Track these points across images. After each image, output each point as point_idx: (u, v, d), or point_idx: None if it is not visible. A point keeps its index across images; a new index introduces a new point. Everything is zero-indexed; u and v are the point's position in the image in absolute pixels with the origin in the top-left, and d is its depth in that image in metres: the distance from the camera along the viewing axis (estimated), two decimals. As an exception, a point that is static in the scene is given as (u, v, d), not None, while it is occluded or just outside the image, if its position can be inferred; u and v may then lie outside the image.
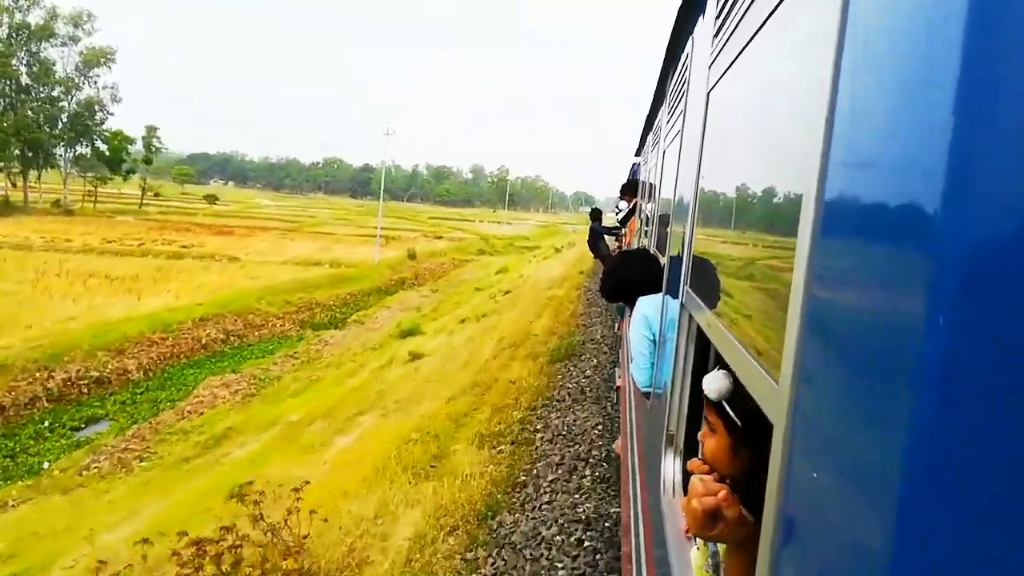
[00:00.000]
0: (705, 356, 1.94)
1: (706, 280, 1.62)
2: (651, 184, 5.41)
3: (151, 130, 73.25)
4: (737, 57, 1.34)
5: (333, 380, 16.82)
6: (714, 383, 1.36)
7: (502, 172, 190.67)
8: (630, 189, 9.21)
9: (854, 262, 0.66)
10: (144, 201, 72.37)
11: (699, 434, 1.54)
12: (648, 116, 6.15)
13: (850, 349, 0.65)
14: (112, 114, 61.69)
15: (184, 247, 38.88)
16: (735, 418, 1.34)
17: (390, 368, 16.02)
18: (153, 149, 74.07)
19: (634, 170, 10.76)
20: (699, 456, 1.56)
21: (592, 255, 16.17)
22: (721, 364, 1.65)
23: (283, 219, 70.49)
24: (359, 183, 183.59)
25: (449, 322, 21.31)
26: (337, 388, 15.76)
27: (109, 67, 59.58)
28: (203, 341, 21.12)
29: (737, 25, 1.33)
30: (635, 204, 8.46)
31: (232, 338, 22.28)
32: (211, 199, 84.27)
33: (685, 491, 1.99)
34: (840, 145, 0.70)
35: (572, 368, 10.55)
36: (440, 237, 62.65)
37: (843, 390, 0.65)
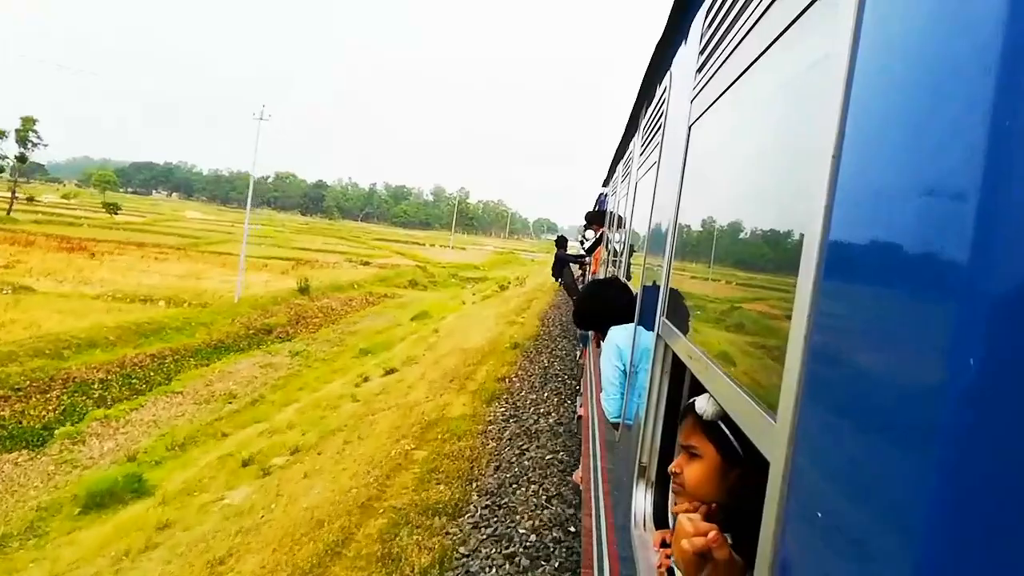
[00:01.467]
0: (680, 387, 1.94)
1: (685, 311, 1.62)
2: (620, 215, 5.47)
3: (27, 122, 63.51)
4: (725, 91, 1.35)
5: None
6: (711, 404, 1.36)
7: (462, 194, 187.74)
8: (597, 219, 9.31)
9: (863, 301, 0.65)
10: (16, 207, 62.09)
11: (671, 466, 1.52)
12: (619, 147, 6.25)
13: (857, 391, 0.63)
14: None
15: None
16: (732, 439, 1.33)
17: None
18: (29, 145, 64.09)
19: (601, 200, 10.91)
20: (672, 486, 1.54)
21: (556, 284, 16.70)
22: (697, 395, 1.64)
23: (185, 235, 62.47)
24: (311, 199, 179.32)
25: (251, 438, 13.69)
26: None
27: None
28: None
29: (727, 59, 1.34)
30: (602, 233, 8.56)
31: None
32: (112, 208, 74.62)
33: (656, 525, 1.96)
34: (848, 181, 0.70)
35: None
36: (367, 263, 55.66)
37: (850, 432, 0.64)
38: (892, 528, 0.54)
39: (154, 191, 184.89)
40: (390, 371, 17.13)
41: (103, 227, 60.56)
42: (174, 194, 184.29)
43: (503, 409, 9.72)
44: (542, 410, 9.58)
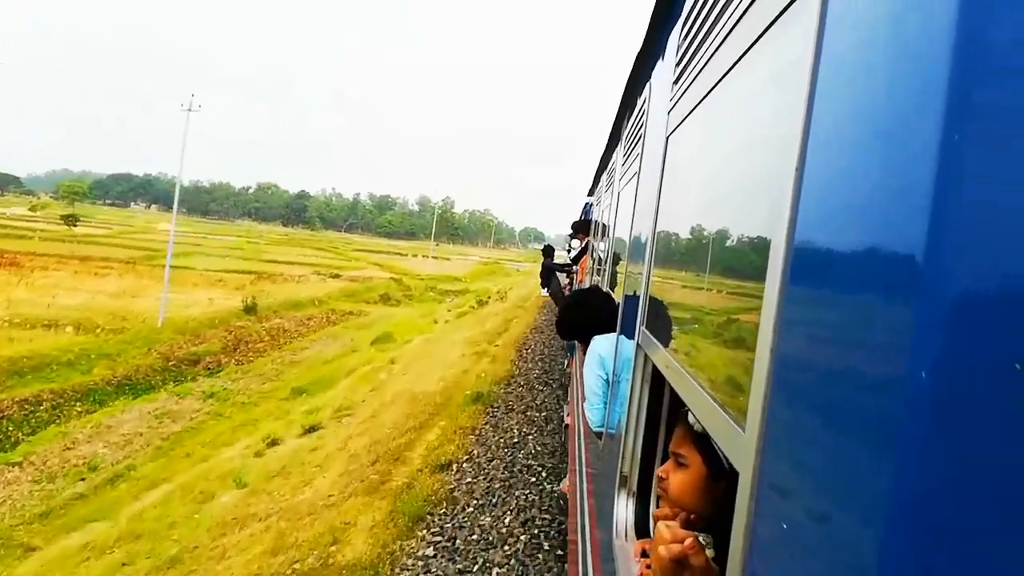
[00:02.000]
0: (660, 396, 1.94)
1: (663, 321, 1.63)
2: (604, 224, 5.50)
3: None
4: (699, 103, 1.36)
5: None
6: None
7: (447, 203, 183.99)
8: (583, 228, 9.36)
9: (827, 308, 0.66)
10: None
11: (659, 470, 1.52)
12: (603, 157, 6.29)
13: (823, 397, 0.64)
14: None
15: None
16: (720, 451, 1.34)
17: None
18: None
19: (586, 209, 10.97)
20: (656, 491, 1.54)
21: (541, 298, 17.75)
22: (678, 405, 1.65)
23: (145, 247, 56.94)
24: (293, 211, 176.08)
25: (60, 558, 9.30)
26: None
27: None
28: None
29: (699, 72, 1.36)
30: (587, 243, 8.59)
31: None
32: (70, 220, 71.27)
33: (638, 534, 1.96)
34: (811, 190, 0.71)
35: None
36: (338, 275, 52.08)
37: (816, 440, 0.64)
38: (856, 537, 0.54)
39: (132, 203, 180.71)
40: (311, 429, 13.05)
41: (57, 240, 56.91)
42: (153, 206, 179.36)
43: (429, 551, 5.34)
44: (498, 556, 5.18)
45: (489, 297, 37.39)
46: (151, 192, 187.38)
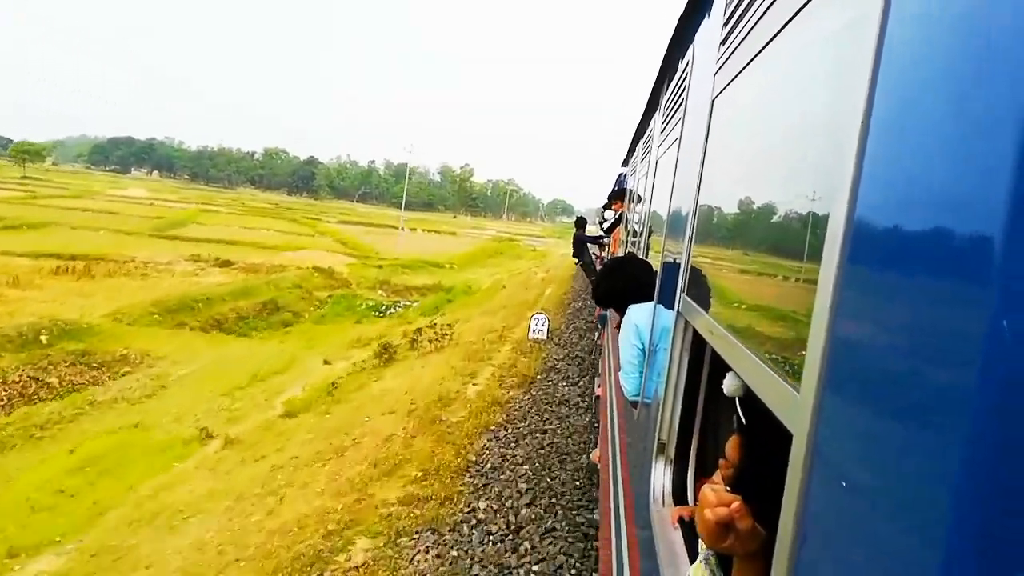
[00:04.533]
0: (700, 364, 1.93)
1: (706, 288, 1.61)
2: (640, 194, 5.43)
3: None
4: (749, 64, 1.33)
5: None
6: (732, 381, 1.37)
7: (465, 172, 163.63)
8: (617, 198, 9.26)
9: (887, 279, 0.65)
10: None
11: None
12: (639, 125, 6.18)
13: (885, 360, 0.63)
14: None
15: None
16: (741, 416, 1.35)
17: None
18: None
19: (621, 179, 10.83)
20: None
21: (576, 266, 16.14)
22: (717, 373, 1.65)
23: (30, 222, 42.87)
24: (300, 178, 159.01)
25: None
26: None
27: None
28: None
29: (751, 30, 1.32)
30: (621, 213, 8.50)
31: None
32: None
33: (676, 501, 1.97)
34: (876, 153, 0.68)
35: None
36: (230, 264, 36.85)
37: (876, 401, 0.64)
38: (917, 498, 0.54)
39: (133, 169, 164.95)
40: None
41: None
42: (155, 172, 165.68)
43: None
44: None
45: (436, 317, 21.63)
46: (153, 157, 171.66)
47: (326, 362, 18.71)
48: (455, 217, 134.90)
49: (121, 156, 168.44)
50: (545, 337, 12.20)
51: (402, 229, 65.14)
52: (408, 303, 32.31)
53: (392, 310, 30.47)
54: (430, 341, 15.24)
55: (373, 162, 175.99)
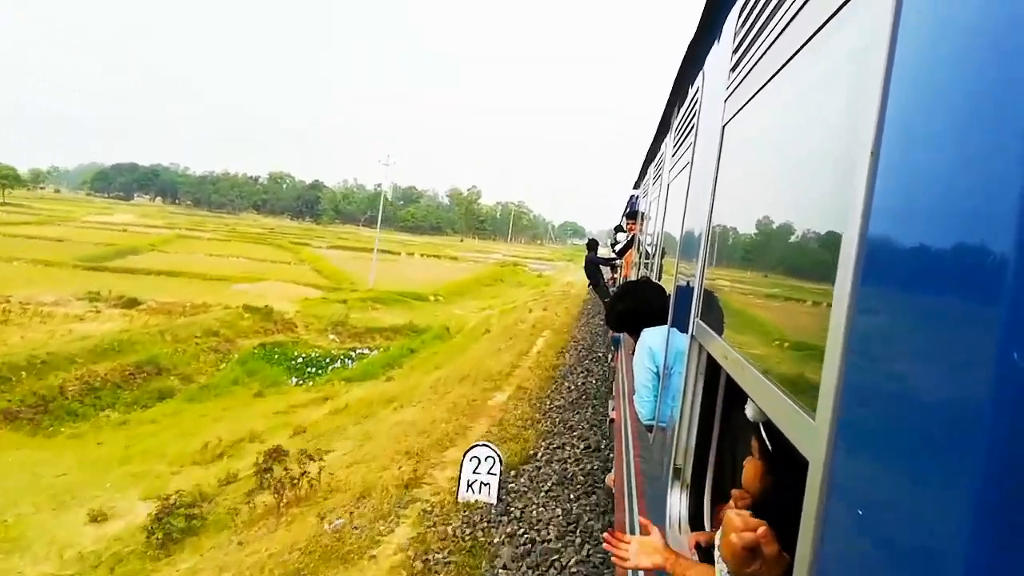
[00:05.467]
0: (715, 388, 1.92)
1: (720, 313, 1.61)
2: (652, 217, 5.44)
3: None
4: (760, 91, 1.34)
5: None
6: (751, 406, 1.36)
7: (472, 194, 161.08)
8: (629, 220, 9.28)
9: (901, 304, 0.65)
10: None
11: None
12: (650, 148, 6.21)
13: (899, 386, 0.63)
14: None
15: None
16: (767, 442, 1.33)
17: None
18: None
19: (632, 202, 10.86)
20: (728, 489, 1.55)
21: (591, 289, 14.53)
22: (734, 396, 1.64)
23: None
24: (305, 202, 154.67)
25: None
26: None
27: None
28: None
29: (761, 57, 1.33)
30: (633, 236, 8.51)
31: None
32: None
33: (692, 527, 1.95)
34: (887, 180, 0.69)
35: None
36: (137, 303, 30.27)
37: (891, 428, 0.63)
38: (934, 526, 0.53)
39: (136, 195, 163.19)
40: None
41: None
42: (158, 199, 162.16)
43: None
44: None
45: (305, 451, 9.62)
46: (156, 184, 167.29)
47: (96, 519, 11.28)
48: (462, 241, 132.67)
49: (124, 182, 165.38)
50: (493, 500, 6.10)
51: (376, 252, 53.90)
52: (365, 351, 25.71)
53: (339, 364, 23.78)
54: (276, 492, 8.37)
55: (379, 185, 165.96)
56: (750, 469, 1.40)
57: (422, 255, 74.26)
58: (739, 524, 1.10)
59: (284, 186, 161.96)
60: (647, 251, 5.74)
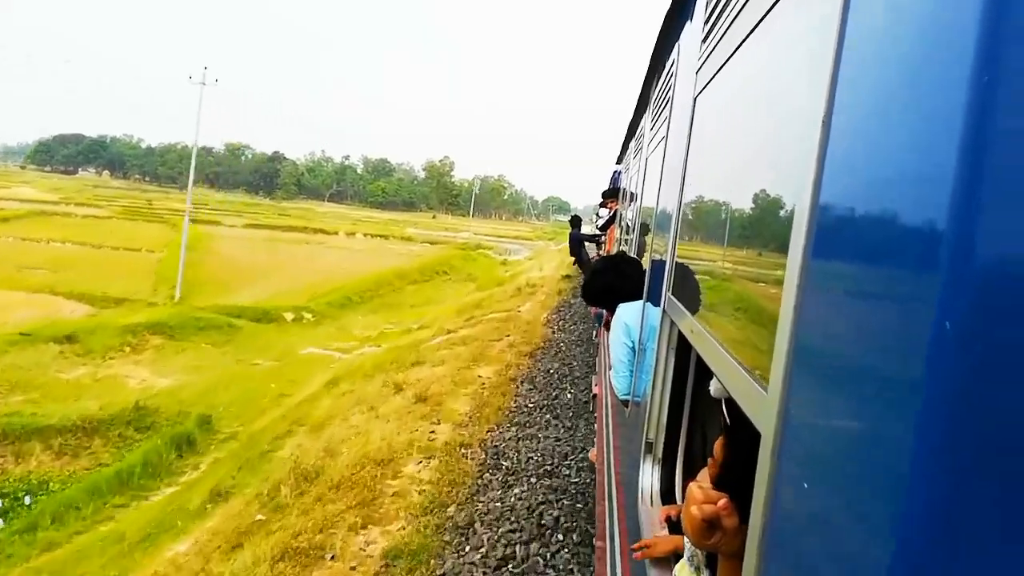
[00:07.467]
0: (686, 363, 1.93)
1: (689, 287, 1.61)
2: (632, 191, 5.43)
3: None
4: (726, 62, 1.33)
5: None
6: (717, 382, 1.37)
7: (444, 165, 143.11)
8: (611, 196, 9.27)
9: (850, 274, 0.65)
10: None
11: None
12: (631, 123, 6.19)
13: (846, 357, 0.63)
14: None
15: None
16: (726, 417, 1.34)
17: None
18: None
19: (615, 178, 10.84)
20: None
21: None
22: (703, 371, 1.65)
23: None
24: (263, 176, 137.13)
25: None
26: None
27: None
28: None
29: (727, 30, 1.32)
30: (615, 211, 8.51)
31: None
32: None
33: (664, 500, 1.97)
34: (837, 151, 0.69)
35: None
36: None
37: (838, 398, 0.64)
38: (879, 497, 0.54)
39: (81, 169, 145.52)
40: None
41: None
42: (105, 172, 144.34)
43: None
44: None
45: None
46: (105, 156, 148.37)
47: None
48: (435, 218, 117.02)
49: (68, 155, 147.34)
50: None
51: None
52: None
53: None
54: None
55: (348, 157, 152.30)
56: (719, 443, 1.41)
57: (365, 235, 60.12)
58: (700, 496, 1.10)
59: (243, 158, 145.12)
60: (627, 226, 5.74)
